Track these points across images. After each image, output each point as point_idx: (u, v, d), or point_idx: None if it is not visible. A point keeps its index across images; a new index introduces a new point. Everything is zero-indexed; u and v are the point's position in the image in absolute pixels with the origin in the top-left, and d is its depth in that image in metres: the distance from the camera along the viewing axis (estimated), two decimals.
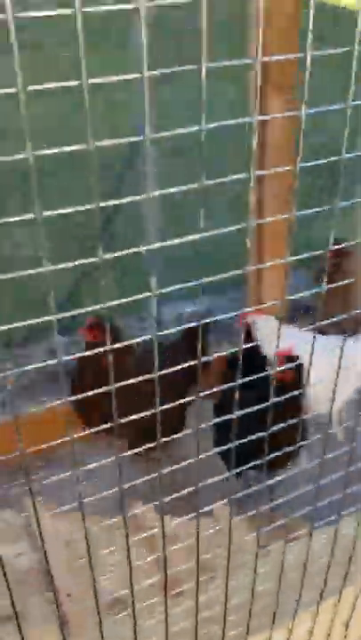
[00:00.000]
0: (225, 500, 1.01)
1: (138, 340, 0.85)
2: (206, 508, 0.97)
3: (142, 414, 0.89)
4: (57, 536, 1.68)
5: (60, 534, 1.67)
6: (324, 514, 1.14)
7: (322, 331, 2.28)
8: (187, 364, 0.89)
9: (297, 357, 1.77)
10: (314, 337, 1.00)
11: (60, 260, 0.64)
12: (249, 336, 2.28)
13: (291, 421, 1.06)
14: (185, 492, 0.94)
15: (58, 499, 0.94)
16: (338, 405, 2.31)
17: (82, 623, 1.47)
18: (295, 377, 1.80)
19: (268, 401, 1.07)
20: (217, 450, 1.05)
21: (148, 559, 1.60)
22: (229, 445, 0.99)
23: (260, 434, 1.00)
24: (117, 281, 2.77)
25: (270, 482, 1.13)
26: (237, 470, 0.98)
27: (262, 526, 1.07)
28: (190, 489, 0.93)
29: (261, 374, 1.05)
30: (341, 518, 1.17)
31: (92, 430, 0.95)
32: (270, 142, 2.17)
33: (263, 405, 1.00)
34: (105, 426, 0.88)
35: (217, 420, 0.99)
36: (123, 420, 0.85)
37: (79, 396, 0.83)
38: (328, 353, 1.15)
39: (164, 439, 0.93)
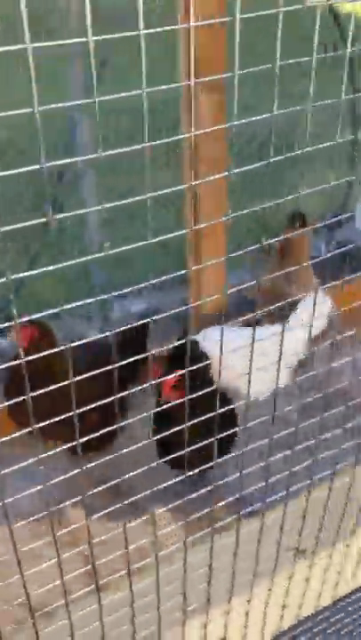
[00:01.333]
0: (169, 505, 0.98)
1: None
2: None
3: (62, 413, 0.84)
4: None
5: None
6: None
7: (257, 322, 2.28)
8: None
9: (182, 385, 1.61)
10: (230, 330, 0.98)
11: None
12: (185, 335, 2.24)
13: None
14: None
15: None
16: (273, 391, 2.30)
17: (6, 634, 1.40)
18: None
19: (207, 403, 1.06)
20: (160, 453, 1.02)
21: (82, 565, 1.54)
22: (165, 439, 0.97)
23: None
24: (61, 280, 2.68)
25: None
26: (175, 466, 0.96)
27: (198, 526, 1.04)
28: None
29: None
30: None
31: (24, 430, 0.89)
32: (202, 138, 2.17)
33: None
34: (28, 429, 0.82)
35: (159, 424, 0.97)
36: (41, 425, 0.79)
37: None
38: (260, 343, 1.11)
39: (102, 441, 0.88)
